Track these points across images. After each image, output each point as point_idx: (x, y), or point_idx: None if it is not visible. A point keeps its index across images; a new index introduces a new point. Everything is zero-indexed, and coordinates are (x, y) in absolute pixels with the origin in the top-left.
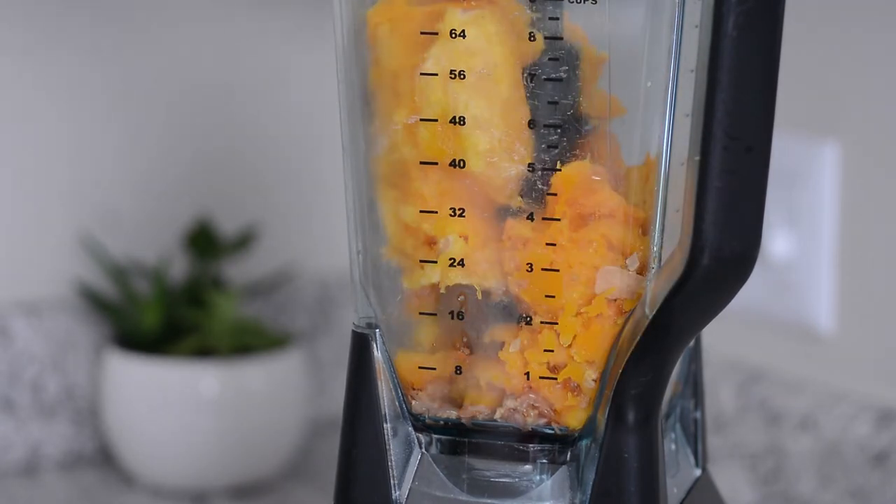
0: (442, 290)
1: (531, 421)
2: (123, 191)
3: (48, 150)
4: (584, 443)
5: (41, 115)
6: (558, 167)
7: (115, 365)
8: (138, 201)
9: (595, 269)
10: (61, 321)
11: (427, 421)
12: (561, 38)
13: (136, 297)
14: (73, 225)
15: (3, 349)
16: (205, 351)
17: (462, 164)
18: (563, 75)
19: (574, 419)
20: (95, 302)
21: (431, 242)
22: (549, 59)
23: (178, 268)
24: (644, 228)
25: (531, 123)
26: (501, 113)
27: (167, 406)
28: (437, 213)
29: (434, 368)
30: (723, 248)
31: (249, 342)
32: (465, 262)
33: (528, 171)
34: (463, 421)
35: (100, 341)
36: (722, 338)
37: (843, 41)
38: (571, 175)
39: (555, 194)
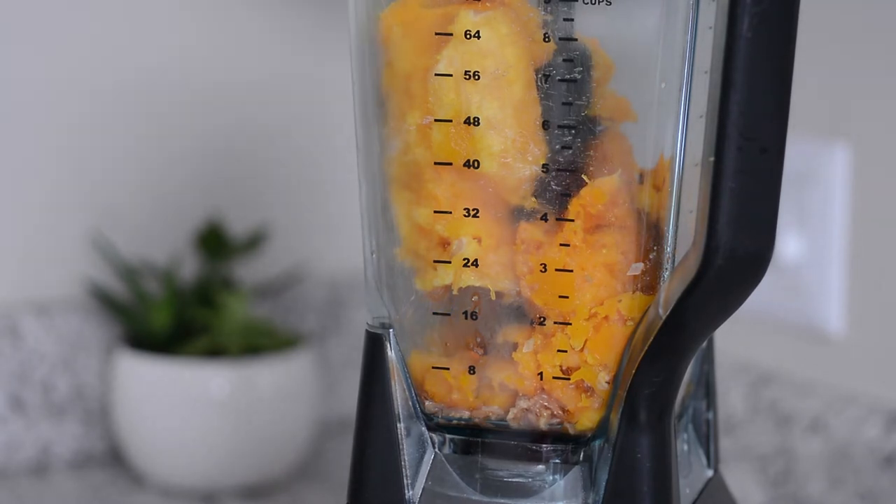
0: (454, 292)
1: (544, 421)
2: (134, 191)
3: (58, 150)
4: (597, 443)
5: (51, 115)
6: (585, 179)
7: (126, 365)
8: (149, 201)
9: (608, 270)
10: (72, 321)
11: (440, 421)
12: (575, 40)
13: (146, 297)
14: (84, 225)
15: (14, 349)
16: (215, 351)
17: (476, 165)
18: (577, 76)
19: (587, 420)
20: (106, 302)
21: (445, 243)
22: (563, 60)
23: (189, 268)
24: (657, 232)
25: (545, 124)
26: (515, 114)
27: (177, 406)
28: (450, 213)
29: (447, 368)
30: (737, 248)
31: (260, 343)
32: (478, 262)
33: (542, 171)
34: (476, 421)
35: (110, 341)
36: (732, 340)
37: (854, 43)
38: (601, 191)
39: (569, 195)
